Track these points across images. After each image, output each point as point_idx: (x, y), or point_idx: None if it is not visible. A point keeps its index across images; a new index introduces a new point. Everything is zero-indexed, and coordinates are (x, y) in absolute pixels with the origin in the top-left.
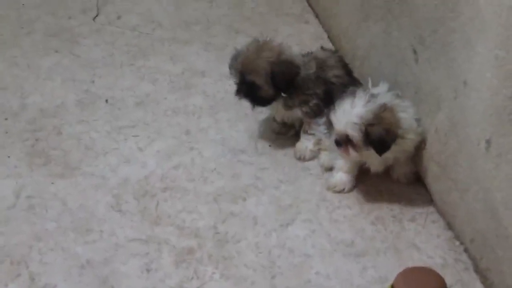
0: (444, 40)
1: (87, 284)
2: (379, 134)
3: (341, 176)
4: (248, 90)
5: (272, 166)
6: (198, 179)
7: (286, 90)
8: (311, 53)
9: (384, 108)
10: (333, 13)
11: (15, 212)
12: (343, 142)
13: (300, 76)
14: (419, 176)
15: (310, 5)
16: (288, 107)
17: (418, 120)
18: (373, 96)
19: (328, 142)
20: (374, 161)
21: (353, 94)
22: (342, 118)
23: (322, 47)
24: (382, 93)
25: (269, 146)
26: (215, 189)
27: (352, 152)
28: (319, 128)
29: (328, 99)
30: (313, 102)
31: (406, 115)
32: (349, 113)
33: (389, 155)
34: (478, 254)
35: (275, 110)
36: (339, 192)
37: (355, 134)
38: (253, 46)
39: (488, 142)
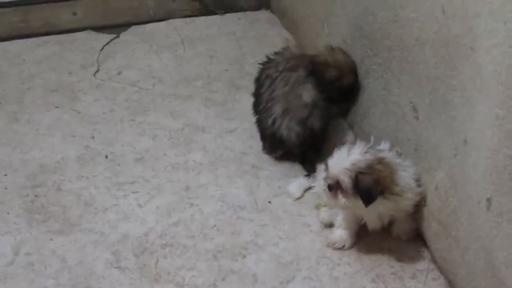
0: (444, 98)
1: None
2: (367, 184)
3: (341, 233)
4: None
5: (271, 222)
6: (198, 235)
7: None
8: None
9: (379, 161)
10: None
11: (13, 269)
12: (334, 187)
13: None
14: (419, 233)
15: None
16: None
17: (418, 180)
18: (374, 149)
19: (327, 198)
20: (370, 217)
21: (354, 143)
22: (336, 163)
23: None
24: (384, 150)
25: (269, 202)
26: (214, 246)
27: (340, 198)
28: (318, 182)
29: None
30: None
31: (405, 173)
32: (344, 159)
33: (383, 211)
34: None
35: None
36: (340, 249)
37: (345, 180)
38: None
39: (489, 201)
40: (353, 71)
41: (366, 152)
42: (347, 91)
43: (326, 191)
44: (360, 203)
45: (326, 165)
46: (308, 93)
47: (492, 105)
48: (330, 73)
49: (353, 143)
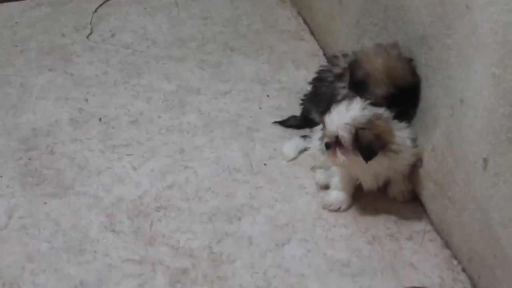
0: (440, 57)
1: None
2: (368, 139)
3: (337, 195)
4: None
5: (267, 185)
6: (193, 198)
7: None
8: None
9: (378, 116)
10: (329, 30)
11: (7, 232)
12: (333, 144)
13: None
14: (415, 194)
15: (305, 22)
16: None
17: (414, 141)
18: (372, 106)
19: (323, 159)
20: (366, 177)
21: (351, 99)
22: (335, 119)
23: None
24: (380, 108)
25: (264, 164)
26: (209, 208)
27: (339, 155)
28: (313, 143)
29: None
30: None
31: (401, 133)
32: (343, 115)
33: (379, 170)
34: (476, 273)
35: None
36: (335, 210)
37: (345, 135)
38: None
39: (485, 160)
40: (393, 79)
41: (364, 108)
42: (391, 98)
43: (323, 150)
44: (359, 159)
45: (324, 123)
46: (339, 92)
47: (488, 64)
48: (358, 74)
49: (351, 99)
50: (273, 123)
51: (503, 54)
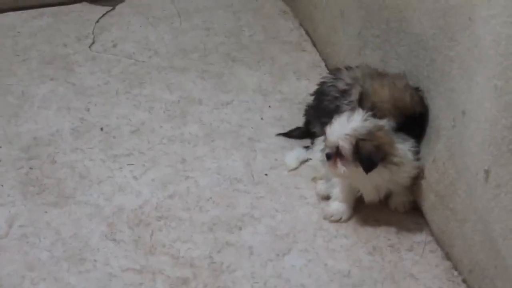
0: (442, 69)
1: None
2: (368, 150)
3: (338, 205)
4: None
5: (268, 195)
6: (194, 208)
7: None
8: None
9: (379, 128)
10: (330, 41)
11: (7, 241)
12: (333, 155)
13: None
14: (417, 205)
15: (307, 33)
16: None
17: (416, 153)
18: (373, 117)
19: (324, 170)
20: (367, 188)
21: (353, 110)
22: (336, 129)
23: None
24: (382, 121)
25: (265, 175)
26: (210, 218)
27: (340, 166)
28: (315, 154)
29: None
30: None
31: (403, 146)
32: (344, 126)
33: (380, 182)
34: (476, 284)
35: None
36: (336, 221)
37: (346, 146)
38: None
39: (486, 172)
40: (400, 110)
41: (366, 120)
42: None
43: (324, 161)
44: (360, 170)
45: (325, 134)
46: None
47: (490, 76)
48: (364, 105)
49: (353, 110)
50: (277, 135)
51: (505, 66)
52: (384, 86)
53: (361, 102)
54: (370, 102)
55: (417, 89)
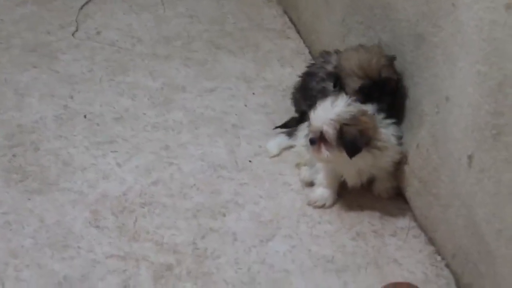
0: (426, 55)
1: None
2: (352, 135)
3: (322, 191)
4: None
5: (252, 181)
6: (177, 194)
7: None
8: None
9: (363, 113)
10: (314, 28)
11: None
12: (317, 140)
13: None
14: (400, 191)
15: (291, 20)
16: None
17: (399, 138)
18: (357, 102)
19: (308, 156)
20: (350, 173)
21: (337, 95)
22: (320, 114)
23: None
24: (367, 106)
25: (249, 161)
26: (194, 204)
27: (324, 151)
28: (299, 140)
29: None
30: None
31: (386, 131)
32: (328, 111)
33: (364, 166)
34: (459, 269)
35: None
36: (320, 207)
37: (330, 131)
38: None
39: (470, 157)
40: (365, 71)
41: (349, 105)
42: (366, 91)
43: (308, 146)
44: (343, 155)
45: (309, 119)
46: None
47: (473, 61)
48: (329, 68)
49: (337, 95)
50: (274, 128)
51: (488, 52)
52: (354, 50)
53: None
54: (340, 67)
55: (391, 58)
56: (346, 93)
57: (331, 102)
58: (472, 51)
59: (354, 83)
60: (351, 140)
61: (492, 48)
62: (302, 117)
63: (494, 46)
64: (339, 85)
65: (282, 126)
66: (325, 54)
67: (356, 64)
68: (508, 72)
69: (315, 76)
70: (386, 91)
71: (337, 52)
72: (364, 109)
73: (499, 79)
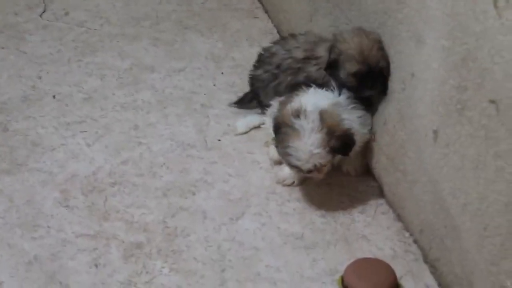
0: (391, 32)
1: (34, 280)
2: (340, 143)
3: (290, 170)
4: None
5: (221, 160)
6: (147, 174)
7: None
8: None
9: (324, 119)
10: (282, 8)
11: None
12: (314, 170)
13: None
14: (369, 168)
15: (259, 0)
16: None
17: (364, 121)
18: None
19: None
20: None
21: (299, 128)
22: (303, 156)
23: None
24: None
25: (218, 140)
26: (164, 183)
27: (323, 170)
28: (267, 119)
29: None
30: None
31: (350, 116)
32: (307, 149)
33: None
34: (427, 244)
35: None
36: (289, 185)
37: (323, 160)
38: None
39: (435, 132)
40: (365, 57)
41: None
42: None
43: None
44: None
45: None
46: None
47: (437, 37)
48: (332, 55)
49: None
50: (229, 105)
51: (452, 27)
52: (354, 35)
53: (330, 53)
54: (338, 50)
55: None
56: (338, 77)
57: (300, 139)
58: (436, 27)
59: (351, 67)
60: (342, 146)
61: (456, 23)
62: (255, 92)
63: (457, 21)
64: (333, 68)
65: (237, 103)
66: (284, 43)
67: (358, 50)
68: (471, 47)
69: (286, 70)
70: (379, 80)
71: (293, 36)
72: (318, 114)
73: (462, 54)
